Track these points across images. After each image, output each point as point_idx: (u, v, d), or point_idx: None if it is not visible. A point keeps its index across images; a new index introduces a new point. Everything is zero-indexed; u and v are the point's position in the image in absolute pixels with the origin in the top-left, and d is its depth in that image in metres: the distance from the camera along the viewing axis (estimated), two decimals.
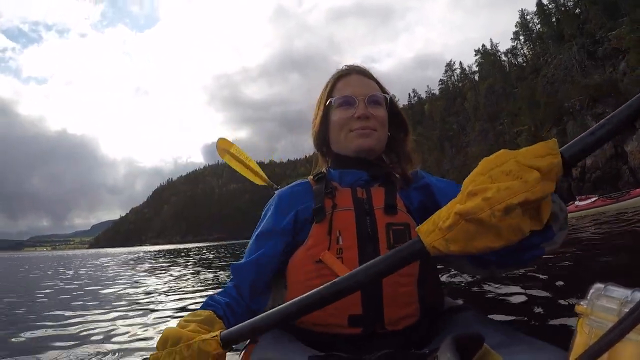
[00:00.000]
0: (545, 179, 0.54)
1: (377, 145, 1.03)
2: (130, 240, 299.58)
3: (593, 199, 15.25)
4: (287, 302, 0.68)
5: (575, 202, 16.02)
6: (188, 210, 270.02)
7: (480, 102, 64.48)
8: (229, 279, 1.02)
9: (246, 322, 0.71)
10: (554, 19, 60.40)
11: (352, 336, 0.86)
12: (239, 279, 0.98)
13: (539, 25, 64.23)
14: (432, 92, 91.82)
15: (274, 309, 0.69)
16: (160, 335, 0.76)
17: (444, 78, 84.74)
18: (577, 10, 56.67)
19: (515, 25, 67.27)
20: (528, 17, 66.66)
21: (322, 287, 0.65)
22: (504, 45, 67.85)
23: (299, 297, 0.66)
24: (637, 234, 6.42)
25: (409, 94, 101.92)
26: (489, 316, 0.92)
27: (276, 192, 1.10)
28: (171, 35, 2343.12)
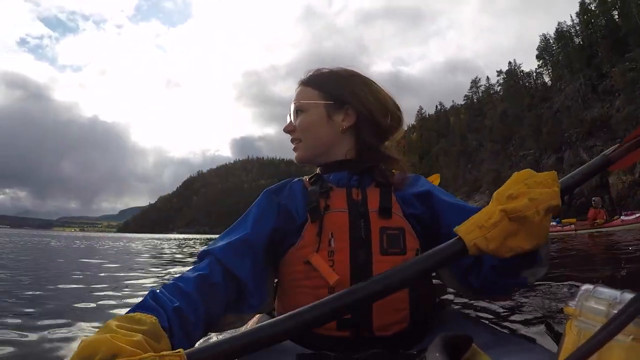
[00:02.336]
0: None
1: (305, 154, 1.07)
2: (158, 227, 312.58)
3: (637, 215, 16.00)
4: (278, 319, 0.62)
5: (622, 217, 17.11)
6: (218, 202, 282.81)
7: (495, 123, 69.35)
8: (190, 268, 0.86)
9: (222, 339, 0.58)
10: (569, 48, 64.58)
11: (340, 339, 0.85)
12: (234, 261, 0.86)
13: (558, 50, 68.25)
14: (458, 104, 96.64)
15: (254, 328, 0.61)
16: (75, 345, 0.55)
17: (469, 94, 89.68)
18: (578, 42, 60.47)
19: (537, 49, 71.77)
20: (550, 40, 70.67)
21: (334, 295, 0.64)
22: (531, 59, 72.24)
23: (298, 311, 0.62)
24: None
25: (436, 106, 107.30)
26: (477, 317, 1.04)
27: (264, 191, 1.04)
28: (202, 32, 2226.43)
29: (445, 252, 0.66)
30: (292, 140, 1.08)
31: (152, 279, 4.33)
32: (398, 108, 1.10)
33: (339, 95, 1.04)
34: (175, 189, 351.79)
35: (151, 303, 0.70)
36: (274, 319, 0.62)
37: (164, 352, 0.53)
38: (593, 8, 62.08)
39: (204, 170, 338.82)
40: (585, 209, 15.39)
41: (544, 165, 52.91)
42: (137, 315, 0.64)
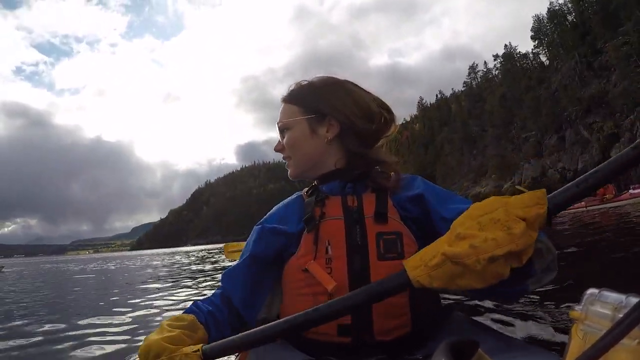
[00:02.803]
0: (530, 228, 0.59)
1: (296, 170, 1.10)
2: (171, 241, 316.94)
3: None
4: (274, 322, 0.71)
5: (630, 191, 16.88)
6: (228, 210, 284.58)
7: (495, 108, 70.08)
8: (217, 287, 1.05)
9: (230, 338, 0.73)
10: (562, 26, 64.95)
11: (342, 345, 0.87)
12: (229, 285, 1.01)
13: (552, 29, 68.44)
14: (458, 91, 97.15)
15: (259, 328, 0.72)
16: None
17: (468, 80, 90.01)
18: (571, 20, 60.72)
19: (531, 30, 71.93)
20: (544, 21, 70.68)
21: (310, 309, 0.69)
22: (528, 40, 72.11)
23: (286, 318, 0.70)
24: None
25: (436, 95, 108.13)
26: (483, 321, 0.97)
27: (255, 228, 1.08)
28: (197, 42, 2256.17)
29: (391, 283, 0.67)
30: (284, 159, 1.11)
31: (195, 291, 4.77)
32: (385, 108, 1.08)
33: (319, 108, 1.04)
34: (184, 202, 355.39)
35: (192, 308, 0.95)
36: (276, 321, 0.72)
37: (185, 349, 0.74)
38: None
39: (212, 180, 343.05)
40: None
41: (546, 146, 53.92)
42: (182, 315, 0.89)
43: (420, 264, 0.65)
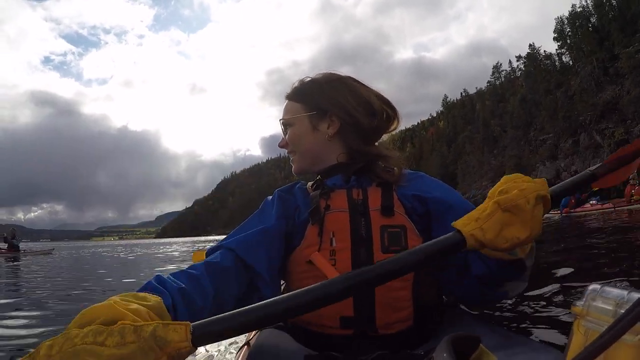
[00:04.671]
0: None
1: (299, 165, 1.12)
2: (196, 231, 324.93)
3: None
4: (275, 298, 0.60)
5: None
6: (253, 201, 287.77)
7: (515, 109, 72.47)
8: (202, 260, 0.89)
9: (228, 313, 0.56)
10: (583, 29, 66.55)
11: (345, 337, 0.87)
12: (248, 255, 0.90)
13: (574, 31, 70.04)
14: (483, 89, 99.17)
15: (255, 305, 0.58)
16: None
17: (492, 80, 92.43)
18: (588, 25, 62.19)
19: (554, 32, 73.59)
20: (565, 22, 72.46)
21: (329, 281, 0.64)
22: (551, 40, 73.27)
23: (290, 293, 0.61)
24: None
25: (461, 93, 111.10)
26: (485, 317, 0.99)
27: (276, 191, 1.10)
28: (223, 35, 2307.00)
29: (444, 244, 0.67)
30: (288, 154, 1.13)
31: None
32: (388, 104, 1.10)
33: (320, 105, 1.06)
34: (209, 192, 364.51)
35: (154, 284, 0.72)
36: (283, 295, 0.61)
37: (170, 322, 0.51)
38: None
39: (237, 171, 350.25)
40: (623, 186, 16.05)
41: (562, 149, 57.29)
42: (141, 294, 0.63)
43: (470, 221, 0.67)
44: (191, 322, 0.52)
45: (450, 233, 0.69)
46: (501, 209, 0.66)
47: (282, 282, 1.06)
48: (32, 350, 0.47)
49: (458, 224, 0.68)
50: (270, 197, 1.09)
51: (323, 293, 0.61)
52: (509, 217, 0.66)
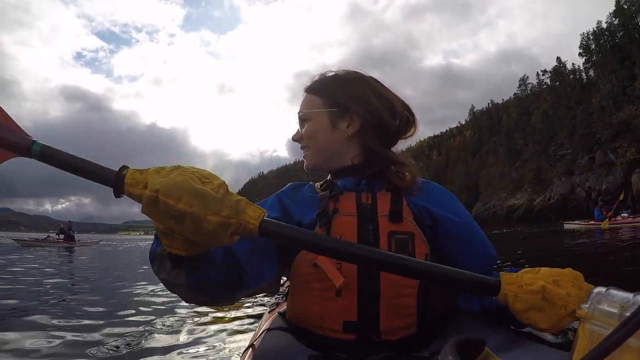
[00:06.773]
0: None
1: (312, 161, 1.09)
2: None
3: None
4: (320, 234, 0.75)
5: None
6: None
7: (537, 123, 75.09)
8: None
9: (289, 225, 0.68)
10: (608, 46, 68.89)
11: (348, 342, 0.87)
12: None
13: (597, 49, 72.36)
14: (509, 99, 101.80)
15: (308, 231, 0.71)
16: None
17: (518, 92, 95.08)
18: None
19: (580, 47, 75.93)
20: (590, 38, 74.73)
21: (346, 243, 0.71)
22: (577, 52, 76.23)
23: (324, 236, 0.74)
24: None
25: (488, 103, 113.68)
26: (490, 319, 0.94)
27: (275, 194, 1.08)
28: (252, 37, 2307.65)
29: (479, 280, 0.72)
30: (302, 148, 1.11)
31: None
32: (408, 109, 1.08)
33: (342, 102, 1.03)
34: (237, 191, 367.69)
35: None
36: (323, 235, 0.73)
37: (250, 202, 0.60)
38: (626, 7, 66.30)
39: (265, 172, 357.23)
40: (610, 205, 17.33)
41: (578, 165, 60.10)
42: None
43: (514, 283, 0.72)
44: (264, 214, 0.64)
45: (491, 278, 0.75)
46: (542, 296, 0.70)
47: (282, 282, 1.09)
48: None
49: (505, 277, 0.74)
50: (271, 197, 1.08)
51: (347, 250, 0.68)
52: (543, 306, 0.70)
